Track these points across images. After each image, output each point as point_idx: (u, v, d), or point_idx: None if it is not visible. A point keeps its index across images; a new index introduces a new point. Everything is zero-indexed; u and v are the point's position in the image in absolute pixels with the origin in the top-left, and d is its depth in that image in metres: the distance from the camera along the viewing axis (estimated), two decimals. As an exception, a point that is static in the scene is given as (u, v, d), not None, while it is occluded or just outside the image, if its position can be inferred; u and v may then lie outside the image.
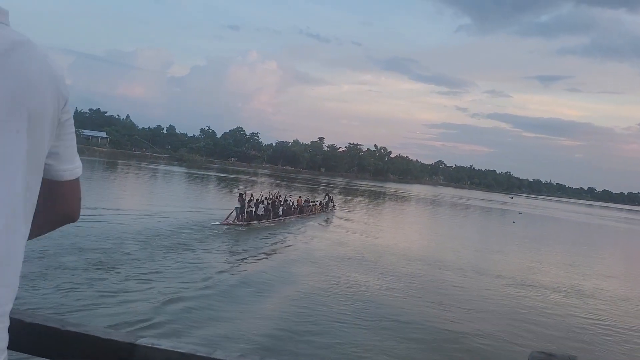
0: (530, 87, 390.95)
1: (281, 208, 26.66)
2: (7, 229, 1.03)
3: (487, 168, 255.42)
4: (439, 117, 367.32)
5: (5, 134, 1.02)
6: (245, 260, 16.34)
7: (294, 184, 71.06)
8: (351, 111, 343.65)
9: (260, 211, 24.06)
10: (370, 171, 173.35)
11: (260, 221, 23.65)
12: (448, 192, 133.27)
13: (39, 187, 1.14)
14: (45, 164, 1.16)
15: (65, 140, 1.19)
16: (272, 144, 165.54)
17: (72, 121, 1.20)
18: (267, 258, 17.36)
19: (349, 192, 73.18)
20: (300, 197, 32.22)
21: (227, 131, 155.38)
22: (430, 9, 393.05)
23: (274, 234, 22.14)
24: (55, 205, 1.24)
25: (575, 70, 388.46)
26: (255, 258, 16.94)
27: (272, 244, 19.93)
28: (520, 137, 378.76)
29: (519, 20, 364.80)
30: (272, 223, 24.49)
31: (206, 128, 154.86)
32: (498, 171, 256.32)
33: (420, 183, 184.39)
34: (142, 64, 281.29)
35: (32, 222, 1.16)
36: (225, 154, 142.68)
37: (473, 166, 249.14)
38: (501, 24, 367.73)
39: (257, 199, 24.97)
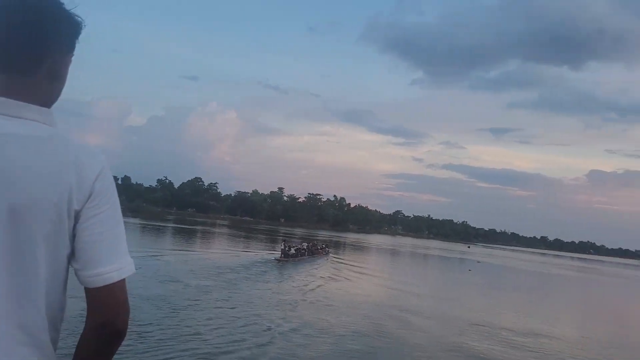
0: (483, 139, 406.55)
1: (302, 250, 39.15)
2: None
3: (445, 218, 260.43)
4: (396, 168, 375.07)
5: None
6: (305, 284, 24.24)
7: (257, 235, 70.15)
8: (311, 162, 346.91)
9: (292, 252, 36.15)
10: (329, 221, 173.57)
11: (292, 258, 34.96)
12: (407, 242, 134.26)
13: (59, 293, 1.15)
14: (73, 268, 1.16)
15: (85, 240, 1.14)
16: (231, 194, 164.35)
17: (101, 218, 1.16)
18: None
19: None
20: (310, 244, 44.87)
21: (185, 181, 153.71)
22: (386, 63, 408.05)
23: (304, 267, 32.35)
24: (91, 314, 1.17)
25: (524, 123, 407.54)
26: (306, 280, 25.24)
27: (308, 273, 28.82)
28: (475, 187, 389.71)
29: (469, 75, 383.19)
30: (299, 260, 35.64)
31: (163, 178, 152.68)
32: (455, 221, 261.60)
33: (379, 233, 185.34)
34: (98, 113, 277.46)
35: (78, 343, 1.17)
36: (183, 204, 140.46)
37: (431, 216, 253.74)
38: (453, 78, 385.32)
39: (290, 246, 37.62)
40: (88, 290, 1.15)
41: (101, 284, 1.14)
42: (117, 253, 1.17)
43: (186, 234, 56.62)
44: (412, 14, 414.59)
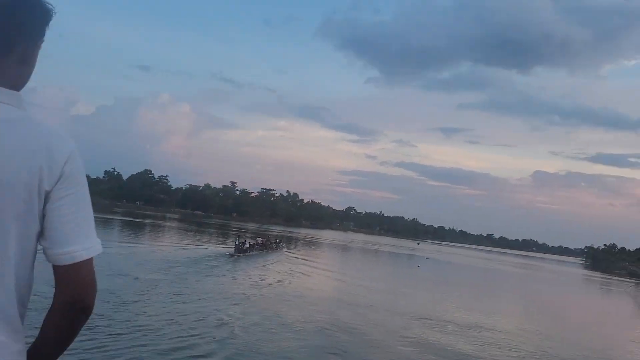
0: (433, 138, 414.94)
1: (256, 245, 40.60)
2: None
3: (396, 215, 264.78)
4: (350, 165, 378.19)
5: None
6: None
7: (208, 229, 69.21)
8: (265, 156, 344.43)
9: (246, 247, 37.58)
10: (282, 216, 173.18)
11: (246, 253, 36.11)
12: (359, 238, 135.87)
13: (28, 271, 1.20)
14: (42, 246, 1.21)
15: (55, 220, 1.19)
16: (182, 188, 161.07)
17: (71, 199, 1.21)
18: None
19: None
20: (263, 239, 46.15)
21: (134, 174, 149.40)
22: (342, 60, 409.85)
23: (259, 261, 33.05)
24: (60, 291, 1.21)
25: (474, 123, 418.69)
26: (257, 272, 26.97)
27: (263, 268, 29.73)
28: (425, 186, 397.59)
29: (422, 75, 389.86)
30: (252, 254, 36.81)
31: (111, 170, 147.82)
32: (406, 217, 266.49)
33: (331, 229, 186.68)
34: (42, 101, 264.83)
35: (46, 319, 1.22)
36: (132, 197, 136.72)
37: (382, 212, 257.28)
38: (407, 78, 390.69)
39: (244, 241, 38.77)
40: (56, 268, 1.20)
41: (70, 262, 1.18)
42: (85, 233, 1.22)
43: (134, 227, 55.31)
44: (368, 12, 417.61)
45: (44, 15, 1.29)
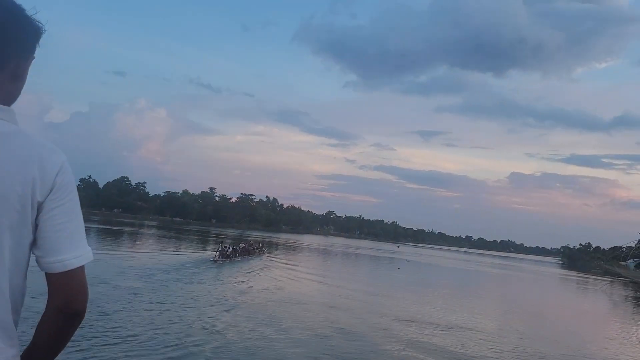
0: (412, 142, 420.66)
1: (239, 251, 40.63)
2: None
3: (376, 218, 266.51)
4: (329, 169, 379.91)
5: None
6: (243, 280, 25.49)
7: (188, 236, 68.59)
8: (244, 161, 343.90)
9: (229, 252, 37.31)
10: (261, 222, 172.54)
11: (230, 259, 36.06)
12: (339, 242, 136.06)
13: (21, 279, 1.25)
14: (35, 255, 1.26)
15: (48, 229, 1.25)
16: (160, 195, 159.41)
17: (63, 209, 1.27)
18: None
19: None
20: (246, 244, 46.06)
21: (111, 181, 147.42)
22: (320, 65, 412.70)
23: (243, 267, 32.98)
24: (52, 298, 1.27)
25: (451, 126, 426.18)
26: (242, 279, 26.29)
27: (248, 273, 29.50)
28: (404, 189, 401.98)
29: (400, 79, 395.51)
30: (236, 260, 36.84)
31: (87, 177, 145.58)
32: (385, 221, 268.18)
33: (312, 233, 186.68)
34: (15, 107, 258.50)
35: (39, 324, 1.27)
36: (109, 204, 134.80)
37: (362, 216, 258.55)
38: (385, 81, 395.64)
39: (227, 246, 38.64)
40: (49, 276, 1.27)
41: (62, 270, 1.25)
42: (77, 242, 1.30)
43: (112, 235, 54.56)
44: (345, 16, 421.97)
45: (35, 34, 1.35)
